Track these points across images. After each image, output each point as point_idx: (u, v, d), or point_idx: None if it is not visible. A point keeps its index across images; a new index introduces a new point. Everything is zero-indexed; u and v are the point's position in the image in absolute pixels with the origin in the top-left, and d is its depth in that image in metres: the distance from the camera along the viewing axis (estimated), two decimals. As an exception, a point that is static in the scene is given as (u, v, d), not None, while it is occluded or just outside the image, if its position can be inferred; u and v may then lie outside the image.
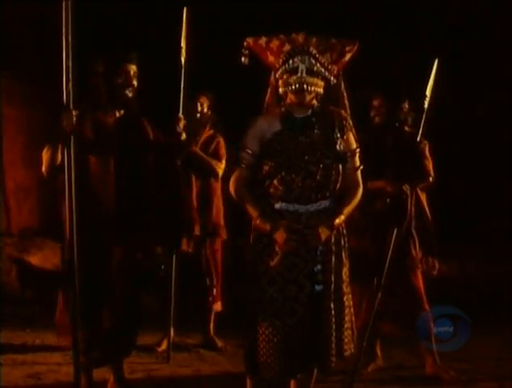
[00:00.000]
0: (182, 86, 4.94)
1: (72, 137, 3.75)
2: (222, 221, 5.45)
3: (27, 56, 7.37)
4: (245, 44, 3.67)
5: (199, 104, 5.39)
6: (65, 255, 4.02)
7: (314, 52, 3.49)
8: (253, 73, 3.69)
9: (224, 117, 5.52)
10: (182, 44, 4.96)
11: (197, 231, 5.29)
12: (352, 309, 3.66)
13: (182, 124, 4.98)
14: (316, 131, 3.55)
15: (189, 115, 5.22)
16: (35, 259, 7.29)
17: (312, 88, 3.48)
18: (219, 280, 5.44)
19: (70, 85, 3.73)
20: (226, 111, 5.53)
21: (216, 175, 5.36)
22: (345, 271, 3.60)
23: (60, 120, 3.74)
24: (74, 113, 3.74)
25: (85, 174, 3.99)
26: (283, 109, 3.58)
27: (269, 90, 3.68)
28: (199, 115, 5.39)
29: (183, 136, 5.01)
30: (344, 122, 3.58)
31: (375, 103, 4.81)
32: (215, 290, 5.38)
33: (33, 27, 7.28)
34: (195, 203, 5.32)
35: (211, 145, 5.41)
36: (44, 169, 4.00)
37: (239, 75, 3.89)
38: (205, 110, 5.42)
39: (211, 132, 5.47)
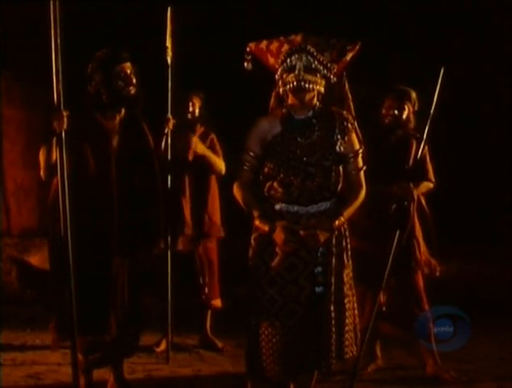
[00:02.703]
0: (169, 86, 4.96)
1: (63, 137, 3.76)
2: (218, 220, 5.43)
3: (27, 57, 7.36)
4: (247, 49, 3.68)
5: (190, 104, 5.39)
6: (53, 255, 4.05)
7: (312, 50, 3.48)
8: (245, 73, 3.68)
9: (215, 116, 5.51)
10: (168, 43, 4.97)
11: (188, 231, 5.27)
12: (356, 312, 3.65)
13: (171, 124, 5.01)
14: (316, 132, 3.54)
15: (180, 115, 5.25)
16: (35, 259, 7.28)
17: (311, 86, 3.47)
18: (214, 278, 5.43)
19: (60, 86, 3.75)
20: (217, 111, 5.52)
21: (220, 171, 5.35)
22: (346, 272, 3.58)
23: (50, 121, 3.77)
24: (65, 113, 3.76)
25: (85, 178, 4.00)
26: (283, 110, 3.58)
27: (273, 93, 3.68)
28: (190, 115, 5.39)
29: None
30: (345, 123, 3.56)
31: (388, 103, 4.78)
32: (207, 289, 5.37)
33: (33, 27, 7.27)
34: (187, 202, 5.30)
35: (205, 143, 5.39)
36: (41, 171, 4.01)
37: (230, 74, 3.89)
38: (196, 110, 5.41)
39: (203, 129, 5.45)
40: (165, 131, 5.02)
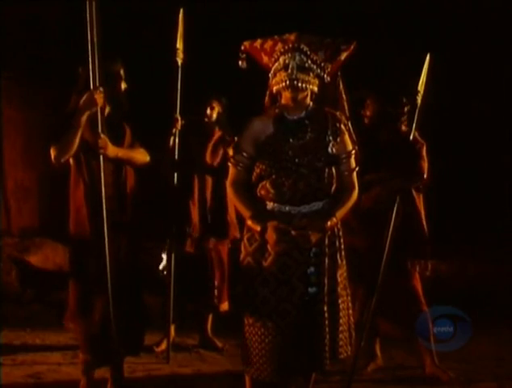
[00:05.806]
0: (178, 87, 4.98)
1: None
2: (235, 221, 5.38)
3: (26, 57, 7.36)
4: (242, 47, 3.67)
5: (209, 108, 5.40)
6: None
7: (305, 49, 3.47)
8: (250, 73, 3.69)
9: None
10: (179, 45, 4.99)
11: (195, 233, 5.28)
12: (350, 311, 3.64)
13: (179, 124, 5.04)
14: (308, 133, 3.53)
15: (196, 118, 5.29)
16: (35, 259, 7.28)
17: (304, 85, 3.46)
18: (225, 281, 5.42)
19: (97, 67, 3.85)
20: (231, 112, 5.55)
21: None
22: (340, 273, 3.57)
23: (87, 98, 3.89)
24: (101, 90, 3.88)
25: (86, 172, 4.07)
26: (276, 111, 3.56)
27: (267, 92, 3.67)
28: (206, 119, 5.39)
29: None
30: (338, 124, 3.54)
31: (369, 102, 4.80)
32: (217, 291, 5.37)
33: (33, 27, 7.28)
34: (195, 204, 5.31)
35: (220, 146, 5.41)
36: (58, 154, 4.02)
37: (236, 75, 3.89)
38: (214, 114, 5.42)
39: (220, 133, 5.45)
40: (173, 131, 5.07)
